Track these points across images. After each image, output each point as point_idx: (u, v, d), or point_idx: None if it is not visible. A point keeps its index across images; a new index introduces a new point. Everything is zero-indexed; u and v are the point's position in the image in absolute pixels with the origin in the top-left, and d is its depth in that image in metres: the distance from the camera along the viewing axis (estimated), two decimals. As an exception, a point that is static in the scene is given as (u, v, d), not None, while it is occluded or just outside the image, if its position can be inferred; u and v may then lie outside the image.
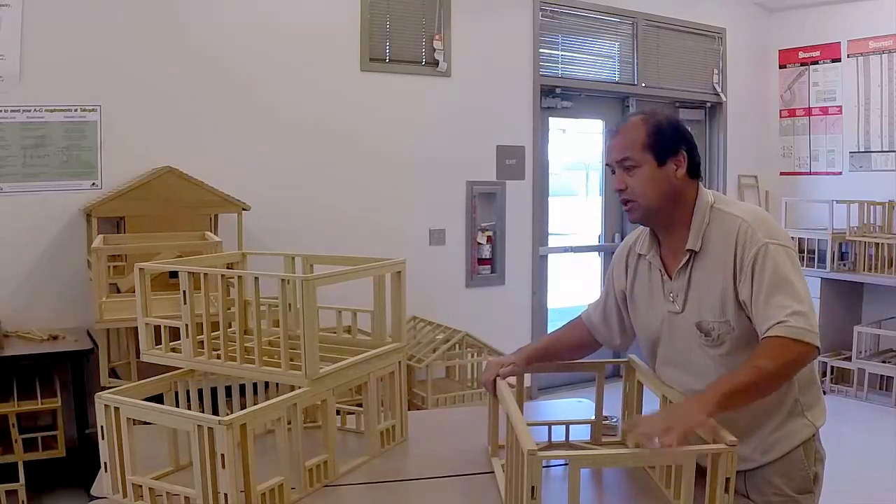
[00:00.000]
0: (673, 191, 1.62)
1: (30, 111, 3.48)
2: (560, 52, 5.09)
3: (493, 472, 1.76)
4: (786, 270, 1.50)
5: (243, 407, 1.81)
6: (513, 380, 1.86)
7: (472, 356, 4.04)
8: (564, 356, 1.94)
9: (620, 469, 1.75)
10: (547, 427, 1.91)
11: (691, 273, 1.61)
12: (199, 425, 1.41)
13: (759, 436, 1.61)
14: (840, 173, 5.72)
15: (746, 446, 1.57)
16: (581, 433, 1.89)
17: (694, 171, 1.64)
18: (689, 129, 1.69)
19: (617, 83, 5.36)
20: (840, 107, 5.69)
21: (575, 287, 6.02)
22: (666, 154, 1.61)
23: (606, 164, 1.71)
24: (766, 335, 1.47)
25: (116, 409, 1.55)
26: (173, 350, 1.84)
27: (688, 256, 1.61)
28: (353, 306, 2.09)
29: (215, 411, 1.91)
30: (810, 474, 1.65)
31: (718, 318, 1.57)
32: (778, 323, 1.46)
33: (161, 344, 1.84)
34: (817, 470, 1.67)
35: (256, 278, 1.71)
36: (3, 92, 3.42)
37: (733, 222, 1.57)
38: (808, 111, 5.90)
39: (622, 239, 2.64)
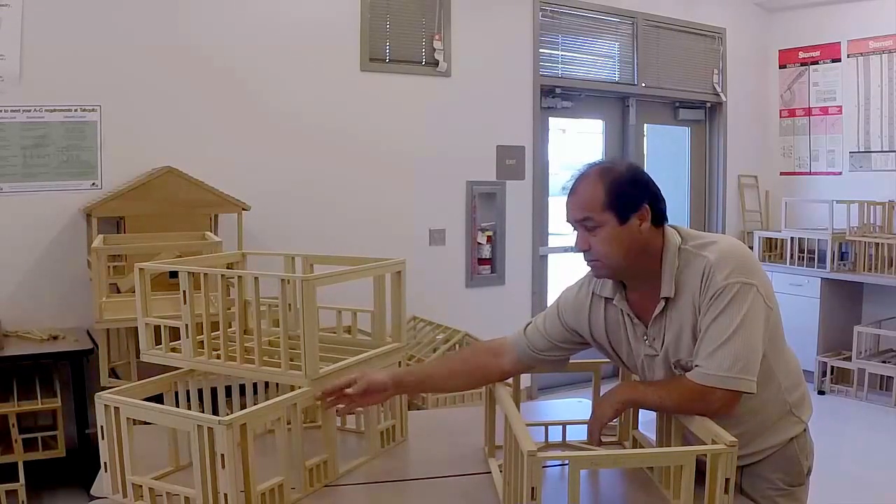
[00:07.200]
0: (638, 246, 1.55)
1: (30, 111, 3.48)
2: (560, 52, 5.09)
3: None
4: (733, 312, 1.46)
5: (243, 407, 1.81)
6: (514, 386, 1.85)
7: (472, 356, 4.02)
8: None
9: (619, 469, 1.75)
10: (544, 427, 1.91)
11: (667, 317, 1.58)
12: (199, 425, 1.41)
13: (753, 434, 1.62)
14: (840, 173, 5.72)
15: (742, 446, 1.57)
16: (578, 433, 1.89)
17: (659, 221, 1.58)
18: (652, 179, 1.60)
19: (617, 83, 5.36)
20: (840, 107, 5.69)
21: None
22: (627, 211, 1.53)
23: (567, 222, 1.63)
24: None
25: (116, 409, 1.55)
26: (173, 350, 1.84)
27: (664, 303, 1.57)
28: (353, 306, 2.09)
29: (215, 411, 1.91)
30: (804, 468, 1.68)
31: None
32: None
33: (161, 344, 1.84)
34: (809, 463, 1.70)
35: (256, 278, 1.71)
36: (3, 92, 3.42)
37: (700, 263, 1.52)
38: (808, 111, 5.90)
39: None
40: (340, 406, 1.73)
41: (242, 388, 1.99)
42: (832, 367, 5.07)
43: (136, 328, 1.94)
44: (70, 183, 3.57)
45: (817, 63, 5.82)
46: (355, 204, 4.31)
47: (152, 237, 3.18)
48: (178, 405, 1.79)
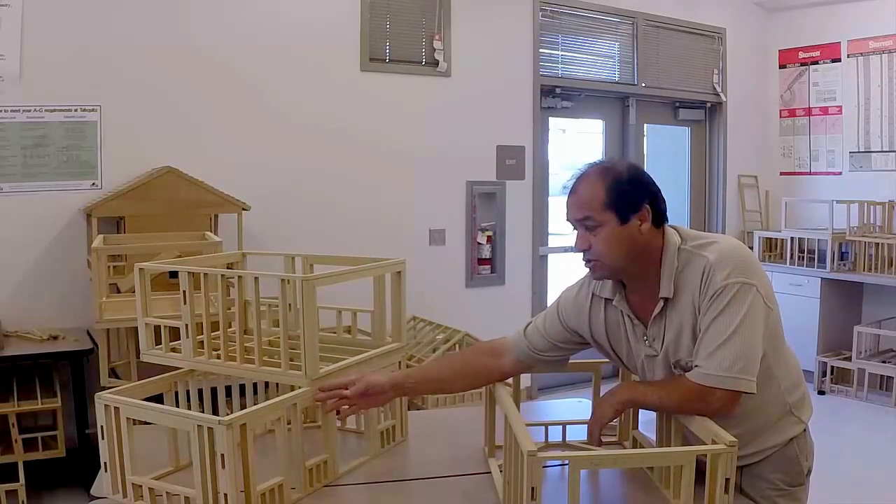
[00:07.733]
0: (638, 246, 1.55)
1: (30, 111, 3.48)
2: (560, 52, 5.09)
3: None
4: (732, 312, 1.46)
5: (243, 407, 1.81)
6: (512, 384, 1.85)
7: (472, 356, 4.02)
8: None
9: (619, 469, 1.75)
10: (544, 427, 1.91)
11: (666, 317, 1.57)
12: (199, 425, 1.41)
13: (753, 434, 1.62)
14: (840, 173, 5.72)
15: (742, 446, 1.57)
16: (578, 433, 1.89)
17: (659, 221, 1.57)
18: (652, 179, 1.60)
19: (617, 83, 5.36)
20: (840, 107, 5.69)
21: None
22: (628, 211, 1.53)
23: (567, 221, 1.63)
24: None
25: (116, 409, 1.55)
26: (173, 350, 1.84)
27: (663, 304, 1.56)
28: (353, 306, 2.09)
29: (215, 411, 1.91)
30: (804, 468, 1.68)
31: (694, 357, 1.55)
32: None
33: (161, 344, 1.84)
34: (809, 463, 1.70)
35: (256, 278, 1.71)
36: (2, 92, 3.42)
37: (700, 263, 1.52)
38: (808, 111, 5.90)
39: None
40: (344, 408, 1.73)
41: (242, 388, 1.99)
42: (832, 367, 5.07)
43: (136, 328, 1.94)
44: (70, 183, 3.57)
45: (817, 63, 5.82)
46: (355, 204, 4.31)
47: (152, 237, 3.18)
48: (178, 405, 1.79)
